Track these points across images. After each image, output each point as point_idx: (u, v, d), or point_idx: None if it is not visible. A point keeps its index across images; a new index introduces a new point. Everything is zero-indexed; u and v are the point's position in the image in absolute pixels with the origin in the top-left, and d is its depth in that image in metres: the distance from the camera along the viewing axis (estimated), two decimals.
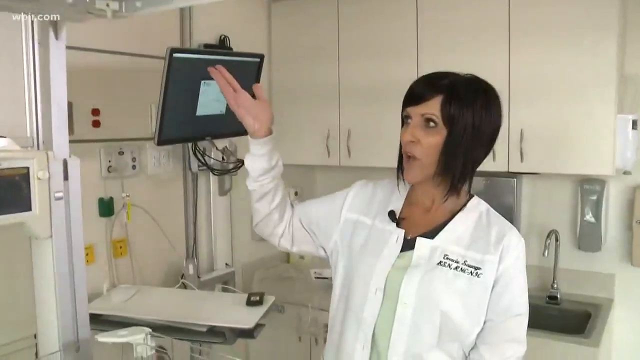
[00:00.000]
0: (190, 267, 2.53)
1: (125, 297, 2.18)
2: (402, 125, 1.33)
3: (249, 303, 2.12)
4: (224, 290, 2.76)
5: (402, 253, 1.33)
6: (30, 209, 1.43)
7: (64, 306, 1.51)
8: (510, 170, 2.43)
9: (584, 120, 2.27)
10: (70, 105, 2.13)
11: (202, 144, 2.53)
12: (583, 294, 2.64)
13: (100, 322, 2.08)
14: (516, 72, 2.38)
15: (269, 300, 2.16)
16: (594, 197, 2.54)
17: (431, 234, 1.33)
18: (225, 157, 2.58)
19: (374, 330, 1.32)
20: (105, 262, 2.30)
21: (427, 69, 2.41)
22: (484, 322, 1.31)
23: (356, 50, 2.77)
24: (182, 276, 2.53)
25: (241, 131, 2.47)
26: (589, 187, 2.55)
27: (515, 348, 1.31)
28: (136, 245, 2.42)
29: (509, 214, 2.71)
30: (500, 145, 2.39)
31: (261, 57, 2.40)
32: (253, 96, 1.43)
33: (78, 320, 1.55)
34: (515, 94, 2.37)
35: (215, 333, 2.01)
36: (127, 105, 2.31)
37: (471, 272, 1.28)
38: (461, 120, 1.25)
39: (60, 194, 1.48)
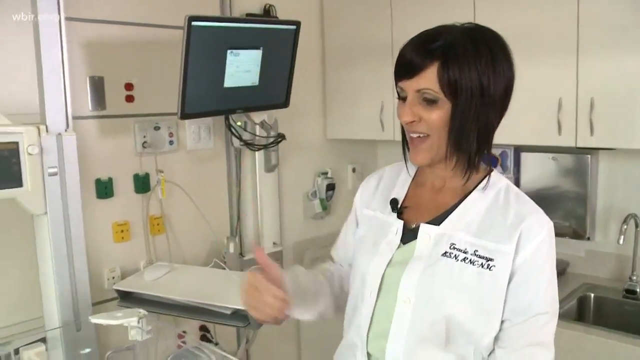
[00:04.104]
0: (232, 245, 2.45)
1: (157, 275, 2.14)
2: (399, 99, 1.13)
3: None
4: None
5: (405, 245, 1.16)
6: (21, 185, 1.40)
7: (62, 285, 1.48)
8: (579, 145, 2.12)
9: None
10: (101, 80, 2.12)
11: (241, 118, 2.43)
12: None
13: (130, 299, 2.06)
14: (587, 20, 2.05)
15: None
16: None
17: (438, 219, 1.14)
18: (265, 132, 2.46)
19: (368, 338, 1.17)
20: (142, 239, 2.27)
21: (485, 16, 2.19)
22: (502, 322, 1.10)
23: (411, 15, 2.54)
24: (225, 255, 2.47)
25: (277, 103, 2.39)
26: None
27: (540, 353, 1.09)
28: (174, 223, 2.37)
29: (583, 195, 2.41)
30: (567, 116, 2.11)
31: (297, 24, 2.26)
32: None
33: (79, 301, 1.51)
34: (584, 50, 2.05)
35: (240, 316, 1.93)
36: (163, 80, 2.23)
37: (482, 264, 1.07)
38: (465, 87, 1.03)
39: (54, 170, 1.44)
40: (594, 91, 2.05)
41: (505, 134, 2.26)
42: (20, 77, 1.67)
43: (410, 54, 1.07)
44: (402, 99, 1.11)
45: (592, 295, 2.34)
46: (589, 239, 2.44)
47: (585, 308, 2.33)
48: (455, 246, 1.10)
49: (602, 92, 2.03)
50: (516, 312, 1.08)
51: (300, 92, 2.68)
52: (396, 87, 1.12)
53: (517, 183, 2.58)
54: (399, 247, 1.16)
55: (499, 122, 1.13)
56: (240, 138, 2.43)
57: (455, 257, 1.09)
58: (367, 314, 1.17)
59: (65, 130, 1.47)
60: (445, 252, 1.10)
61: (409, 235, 1.16)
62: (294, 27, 2.23)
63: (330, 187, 2.95)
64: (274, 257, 2.72)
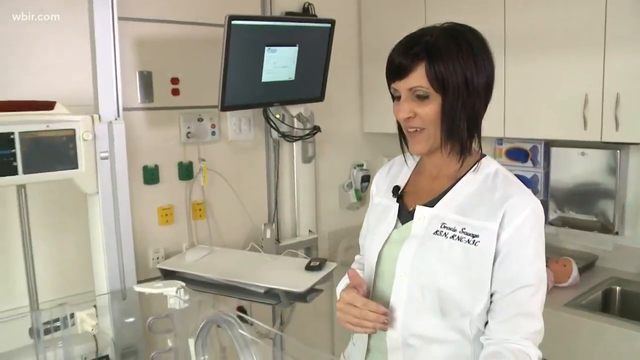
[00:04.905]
0: (268, 231, 2.60)
1: (198, 256, 2.31)
2: (393, 100, 1.25)
3: (308, 268, 2.15)
4: (307, 255, 2.81)
5: (403, 226, 1.29)
6: (77, 167, 1.57)
7: (111, 260, 1.65)
8: (604, 140, 2.16)
9: None
10: (149, 75, 2.29)
11: (279, 111, 2.57)
12: None
13: (173, 278, 2.23)
14: (613, 17, 2.08)
15: (330, 266, 2.17)
16: None
17: (433, 202, 1.26)
18: (302, 124, 2.60)
19: None
20: (184, 223, 2.45)
21: (515, 14, 2.25)
22: (493, 295, 1.20)
23: (443, 14, 2.62)
24: (262, 240, 2.62)
25: (312, 97, 2.52)
26: None
27: (528, 322, 1.18)
28: (215, 209, 2.54)
29: (611, 190, 2.44)
30: (592, 111, 2.16)
31: (332, 22, 2.38)
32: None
33: (125, 272, 1.68)
34: (611, 47, 2.09)
35: (272, 295, 2.07)
36: (207, 74, 2.38)
37: (468, 240, 1.18)
38: (452, 81, 1.15)
39: (105, 154, 1.61)
40: (619, 87, 2.09)
41: (532, 129, 2.37)
42: (78, 73, 1.85)
43: (398, 58, 1.19)
44: (397, 99, 1.23)
45: (618, 288, 2.37)
46: (617, 233, 2.47)
47: (610, 301, 2.36)
48: (446, 225, 1.21)
49: (628, 87, 2.07)
50: (504, 284, 1.18)
51: (337, 88, 2.80)
52: (389, 89, 1.24)
53: (546, 177, 2.64)
54: (397, 227, 1.29)
55: (485, 111, 1.24)
56: (277, 130, 2.57)
57: (445, 234, 1.20)
58: (369, 288, 1.29)
59: (115, 119, 1.64)
60: (437, 231, 1.22)
61: (407, 217, 1.28)
62: (328, 25, 2.36)
63: (365, 179, 3.07)
64: (310, 244, 2.86)
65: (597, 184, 2.49)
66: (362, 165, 3.09)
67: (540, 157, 2.64)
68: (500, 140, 2.74)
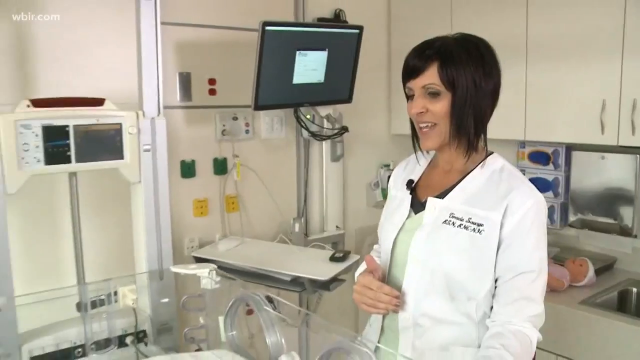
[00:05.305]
0: (297, 225, 2.74)
1: (230, 246, 2.46)
2: (407, 100, 1.37)
3: (333, 259, 2.28)
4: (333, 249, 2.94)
5: (416, 215, 1.40)
6: (122, 158, 1.74)
7: (150, 241, 1.81)
8: (620, 144, 2.24)
9: None
10: (188, 76, 2.46)
11: (310, 111, 2.71)
12: None
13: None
14: (632, 26, 2.15)
15: (353, 258, 2.29)
16: None
17: (443, 194, 1.38)
18: (331, 124, 2.73)
19: None
20: (218, 215, 2.60)
21: (537, 22, 2.34)
22: (497, 280, 1.31)
23: (469, 21, 2.72)
24: (291, 233, 2.76)
25: (341, 99, 2.65)
26: None
27: (528, 306, 1.29)
28: (247, 202, 2.69)
29: (630, 193, 2.50)
30: (610, 116, 2.24)
31: (360, 28, 2.51)
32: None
33: (163, 255, 1.84)
34: (629, 54, 2.16)
35: (298, 283, 2.20)
36: (242, 76, 2.52)
37: (474, 229, 1.30)
38: (461, 81, 1.27)
39: (148, 147, 1.77)
40: (636, 93, 2.16)
41: (552, 132, 2.45)
42: (125, 73, 2.03)
43: (413, 60, 1.32)
44: (410, 98, 1.35)
45: (635, 290, 2.43)
46: (636, 236, 2.52)
47: (626, 301, 2.42)
48: (454, 215, 1.33)
49: None
50: (506, 271, 1.29)
51: (366, 90, 2.93)
52: (404, 89, 1.37)
53: (567, 180, 2.70)
54: (410, 217, 1.41)
55: (491, 114, 1.35)
56: (308, 129, 2.71)
57: (453, 223, 1.32)
58: (384, 273, 1.42)
59: (158, 115, 1.80)
60: (446, 220, 1.33)
61: (419, 207, 1.40)
62: (357, 31, 2.49)
63: None
64: (337, 240, 2.99)
65: (616, 187, 2.55)
66: (389, 165, 3.21)
67: (562, 161, 2.71)
68: (522, 144, 2.82)
